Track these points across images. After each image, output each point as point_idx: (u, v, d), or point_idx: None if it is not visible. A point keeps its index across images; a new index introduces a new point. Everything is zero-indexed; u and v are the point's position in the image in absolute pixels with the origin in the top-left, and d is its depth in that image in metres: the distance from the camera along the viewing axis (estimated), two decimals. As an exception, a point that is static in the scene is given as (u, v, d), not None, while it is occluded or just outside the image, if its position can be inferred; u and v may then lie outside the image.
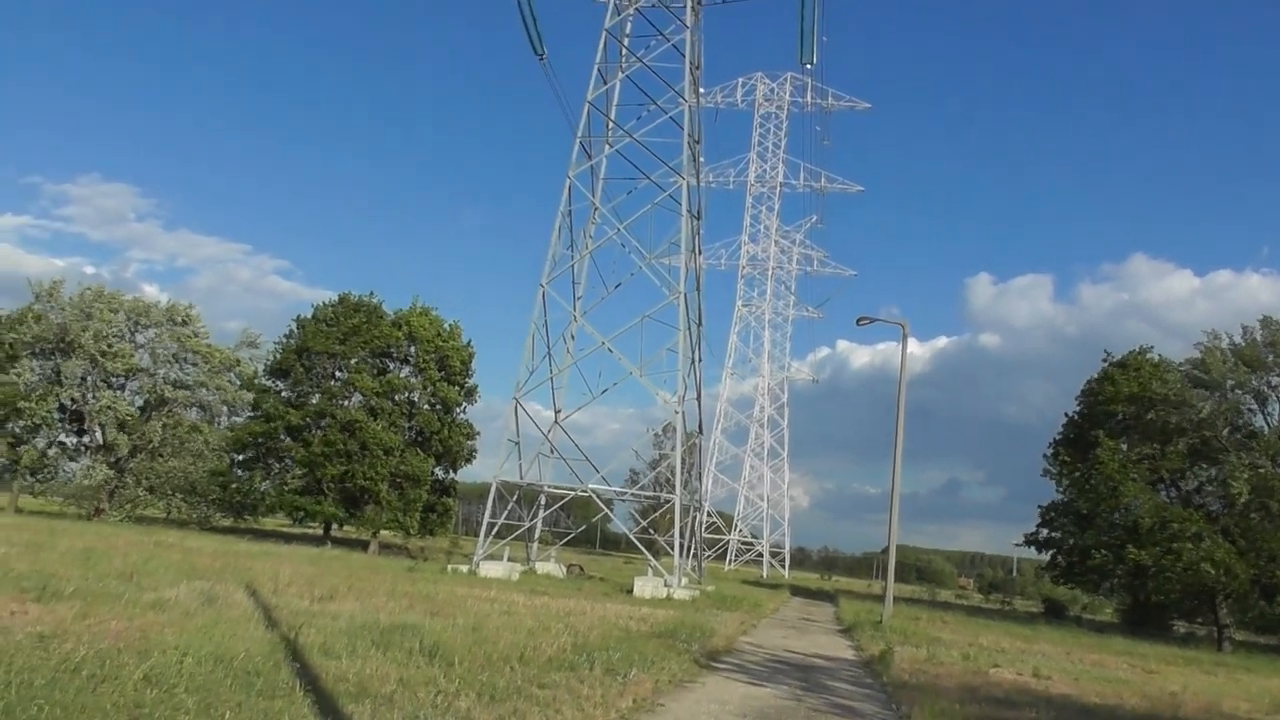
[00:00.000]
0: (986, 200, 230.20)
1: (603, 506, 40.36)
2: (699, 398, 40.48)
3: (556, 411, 39.62)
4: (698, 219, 40.34)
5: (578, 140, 39.00)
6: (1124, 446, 41.21)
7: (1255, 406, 40.55)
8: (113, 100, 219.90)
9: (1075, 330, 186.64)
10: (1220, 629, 40.42)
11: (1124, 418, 42.72)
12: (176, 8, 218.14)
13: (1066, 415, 47.03)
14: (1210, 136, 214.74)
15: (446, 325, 47.13)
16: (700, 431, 42.22)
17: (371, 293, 47.39)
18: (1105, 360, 45.32)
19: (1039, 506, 46.51)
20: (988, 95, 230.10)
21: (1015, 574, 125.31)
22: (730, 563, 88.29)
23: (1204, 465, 41.18)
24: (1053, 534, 45.69)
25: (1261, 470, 37.96)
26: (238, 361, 48.12)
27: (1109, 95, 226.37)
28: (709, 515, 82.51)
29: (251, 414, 46.55)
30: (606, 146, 39.65)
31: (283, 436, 44.48)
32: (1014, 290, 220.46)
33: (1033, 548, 48.30)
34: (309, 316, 46.17)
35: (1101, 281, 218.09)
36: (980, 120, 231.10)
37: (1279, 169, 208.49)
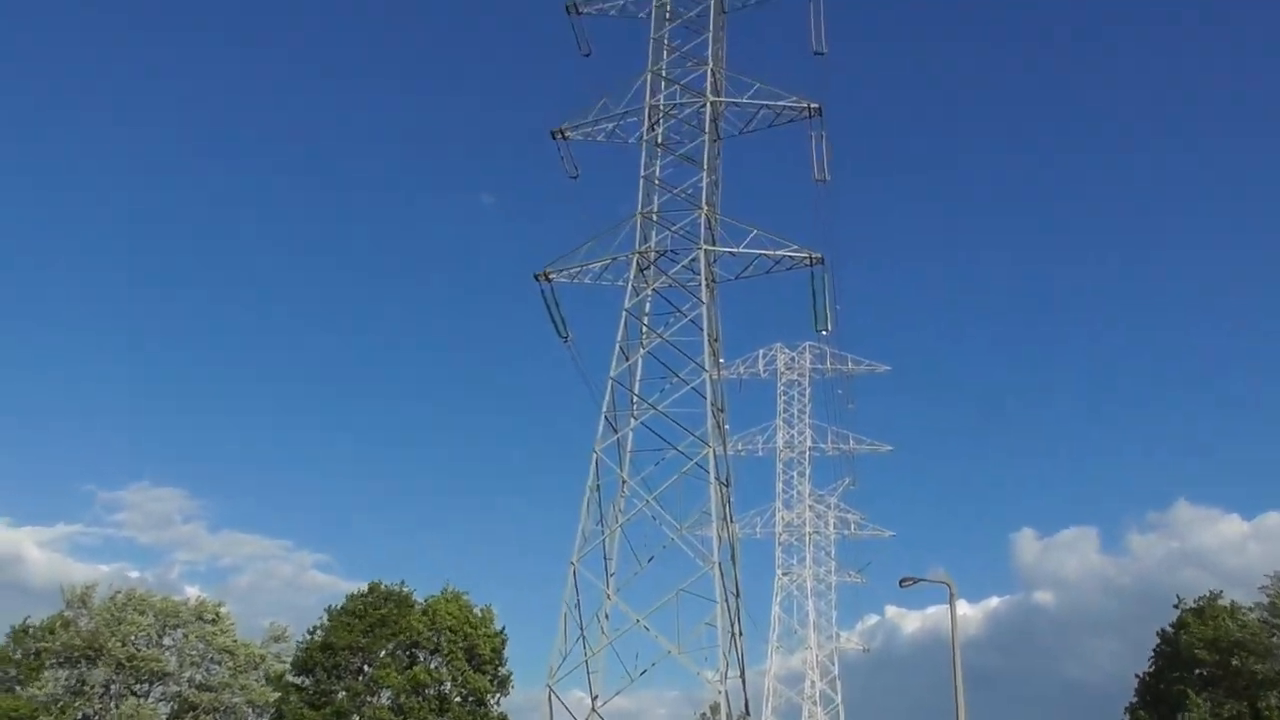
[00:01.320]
0: (1017, 454, 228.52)
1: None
2: (743, 674, 38.25)
3: (594, 698, 37.50)
4: (727, 487, 40.05)
5: (603, 415, 39.62)
6: (1209, 702, 38.06)
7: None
8: (164, 403, 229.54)
9: (1129, 581, 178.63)
10: None
11: (1206, 669, 39.79)
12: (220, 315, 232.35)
13: (1138, 676, 43.91)
14: (1233, 385, 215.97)
15: (477, 611, 45.75)
16: (747, 712, 39.56)
17: (402, 582, 46.55)
18: (1178, 606, 42.88)
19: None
20: (1003, 352, 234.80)
21: None
22: None
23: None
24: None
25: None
26: (263, 658, 46.57)
27: (1125, 345, 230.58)
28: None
29: (275, 716, 44.42)
30: (631, 420, 40.15)
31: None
32: (1060, 544, 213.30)
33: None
34: (339, 608, 45.14)
35: (1149, 531, 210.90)
36: (998, 378, 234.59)
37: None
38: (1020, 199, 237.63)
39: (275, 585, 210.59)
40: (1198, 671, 39.88)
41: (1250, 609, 40.03)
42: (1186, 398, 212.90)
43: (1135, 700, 43.29)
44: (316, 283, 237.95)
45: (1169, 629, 42.62)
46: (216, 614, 49.42)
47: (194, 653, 47.41)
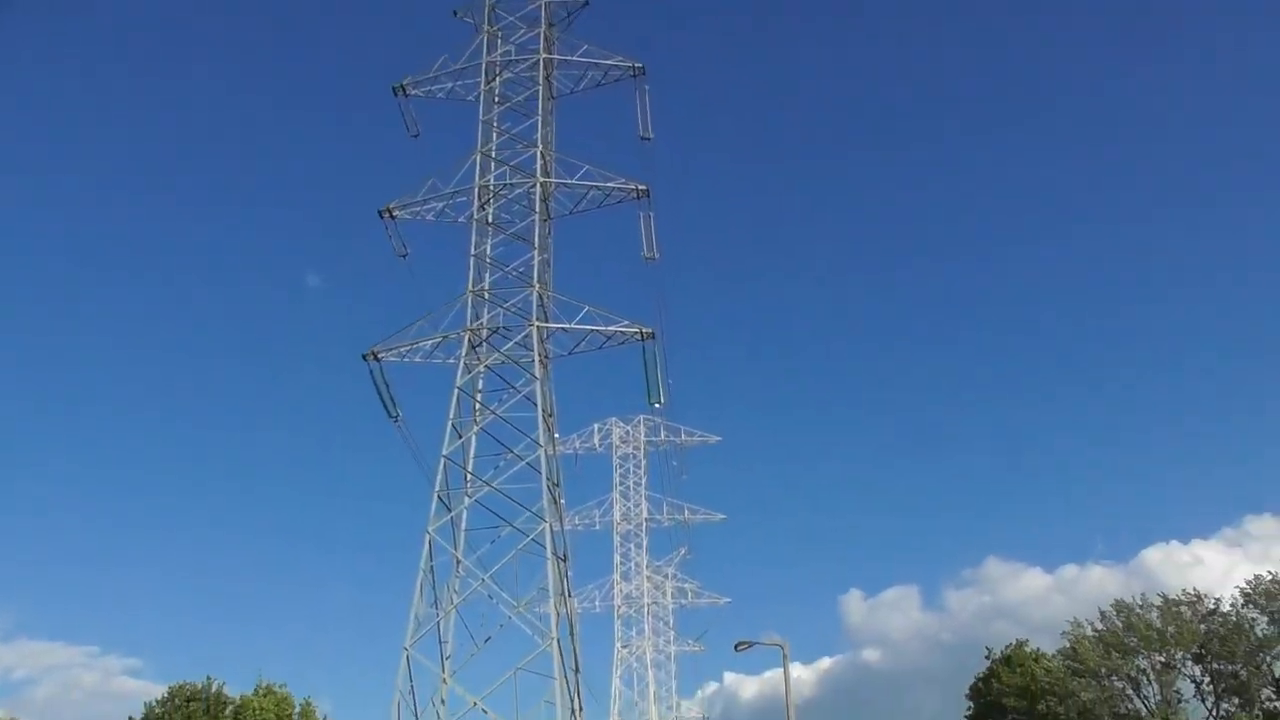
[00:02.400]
0: (843, 518, 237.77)
1: None
2: (584, 753, 37.88)
3: (432, 788, 36.19)
4: (565, 561, 39.99)
5: (435, 494, 39.01)
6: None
7: (1132, 692, 41.00)
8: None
9: (949, 636, 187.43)
10: None
11: (1016, 713, 42.36)
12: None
13: (961, 721, 46.32)
14: (1040, 451, 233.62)
15: (297, 703, 43.37)
16: (589, 791, 39.11)
17: (209, 678, 43.41)
18: (987, 656, 45.65)
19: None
20: (823, 433, 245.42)
21: None
22: None
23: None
24: None
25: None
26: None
27: (942, 419, 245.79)
28: None
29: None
30: (465, 498, 39.71)
31: None
32: (885, 603, 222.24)
33: None
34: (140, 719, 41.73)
35: (964, 587, 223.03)
36: (825, 443, 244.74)
37: (1098, 473, 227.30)
38: (838, 276, 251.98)
39: (79, 696, 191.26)
40: (1009, 716, 42.43)
41: (1052, 656, 43.00)
42: (994, 460, 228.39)
43: (956, 749, 45.49)
44: (123, 362, 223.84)
45: (981, 679, 45.21)
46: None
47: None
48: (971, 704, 45.70)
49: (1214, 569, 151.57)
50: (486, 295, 42.76)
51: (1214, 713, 39.49)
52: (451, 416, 40.37)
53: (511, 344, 41.93)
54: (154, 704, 42.01)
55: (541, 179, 43.85)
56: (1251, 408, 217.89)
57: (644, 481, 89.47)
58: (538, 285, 42.54)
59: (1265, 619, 39.71)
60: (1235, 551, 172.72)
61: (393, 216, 44.18)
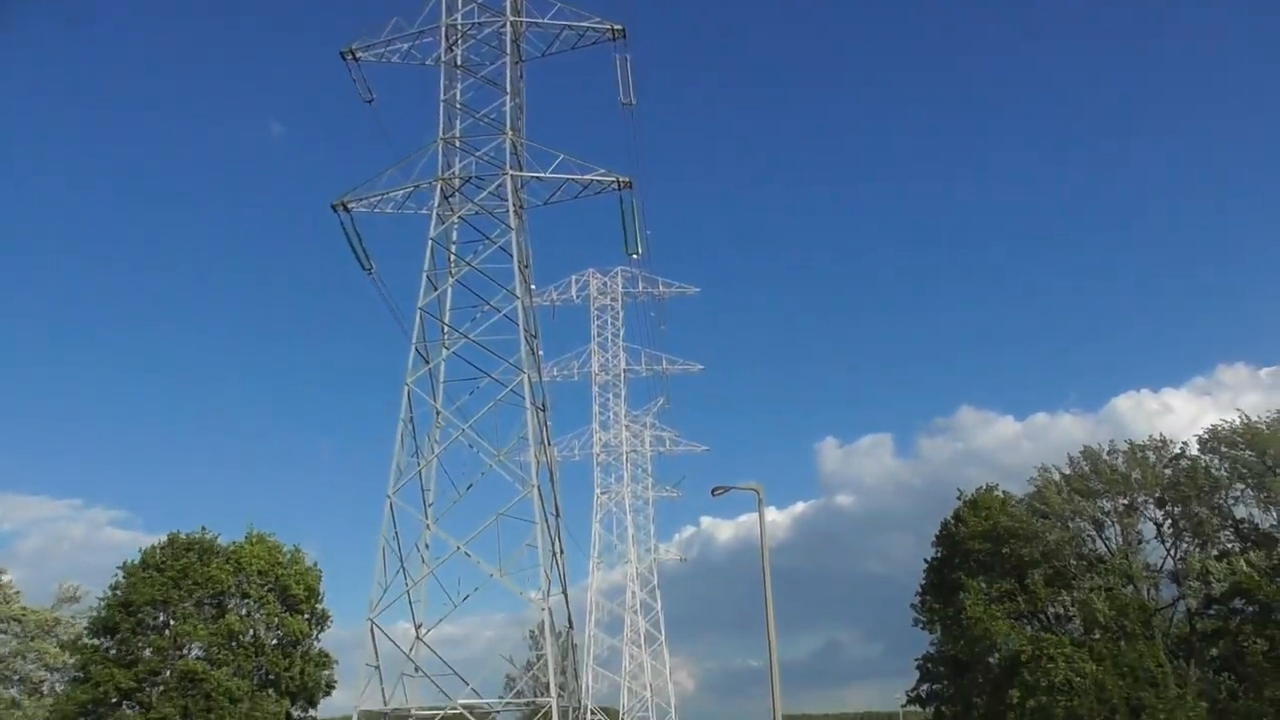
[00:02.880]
0: (819, 367, 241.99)
1: (475, 724, 37.79)
2: (565, 591, 39.22)
3: (418, 627, 37.58)
4: (544, 411, 40.36)
5: (413, 347, 38.89)
6: (984, 584, 42.16)
7: (1095, 533, 42.52)
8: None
9: (920, 482, 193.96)
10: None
11: (980, 555, 43.94)
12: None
13: (926, 561, 48.08)
14: (1014, 302, 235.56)
15: (286, 551, 44.47)
16: (571, 626, 40.74)
17: (203, 529, 44.45)
18: (959, 498, 46.96)
19: (915, 660, 46.69)
20: (803, 280, 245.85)
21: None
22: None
23: (1062, 593, 42.42)
24: (934, 686, 45.75)
25: (1114, 592, 39.48)
26: (57, 621, 43.80)
27: (915, 269, 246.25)
28: (593, 713, 78.71)
29: (77, 678, 41.86)
30: (443, 349, 39.59)
31: (115, 699, 39.98)
32: (859, 451, 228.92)
33: (918, 705, 48.17)
34: (136, 563, 42.67)
35: (937, 434, 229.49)
36: (801, 294, 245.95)
37: (1074, 324, 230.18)
38: (827, 123, 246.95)
39: (67, 548, 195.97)
40: (974, 559, 44.07)
41: (1019, 500, 44.35)
42: (969, 311, 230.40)
43: (923, 586, 47.41)
44: (96, 218, 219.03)
45: (949, 522, 46.73)
46: (-1, 583, 46.19)
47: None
48: (938, 548, 47.33)
49: (1182, 417, 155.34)
50: (458, 143, 41.44)
51: (1171, 553, 41.14)
52: (426, 268, 39.80)
53: (485, 194, 40.97)
54: (153, 549, 42.87)
55: (512, 17, 41.80)
56: (1227, 256, 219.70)
57: (621, 333, 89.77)
58: (510, 133, 41.21)
59: (1225, 465, 40.78)
60: (1205, 400, 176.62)
61: (355, 58, 42.13)
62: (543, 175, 41.16)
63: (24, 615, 43.61)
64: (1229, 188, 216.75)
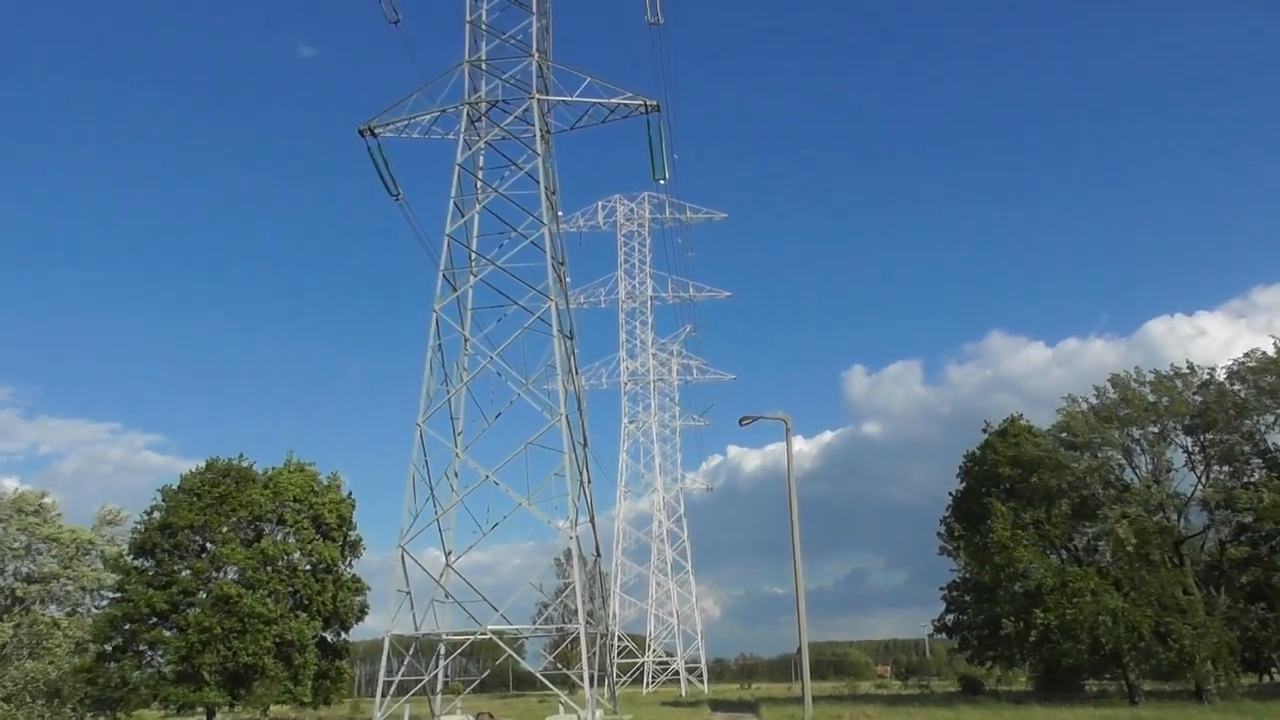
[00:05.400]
0: (848, 294, 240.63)
1: (505, 648, 38.56)
2: (592, 520, 39.63)
3: (447, 554, 38.13)
4: (571, 339, 40.31)
5: (441, 273, 38.73)
6: (1011, 510, 42.06)
7: (1124, 461, 42.17)
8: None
9: (949, 410, 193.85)
10: (1129, 683, 40.95)
11: (1008, 483, 43.82)
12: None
13: (952, 492, 48.04)
14: (1046, 223, 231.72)
15: (322, 479, 44.97)
16: (599, 554, 41.20)
17: (241, 455, 45.00)
18: (985, 430, 46.80)
19: (940, 589, 46.93)
20: (833, 201, 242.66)
21: (929, 655, 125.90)
22: (648, 685, 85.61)
23: (1088, 523, 42.32)
24: (961, 616, 46.07)
25: (1139, 520, 39.30)
26: (92, 543, 44.73)
27: (944, 195, 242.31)
28: (620, 639, 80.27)
29: (117, 598, 42.81)
30: (471, 277, 39.42)
31: (152, 620, 40.94)
32: (887, 378, 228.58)
33: (944, 634, 48.59)
34: (175, 487, 43.35)
35: (966, 361, 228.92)
36: (830, 219, 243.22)
37: (1107, 246, 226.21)
38: (856, 47, 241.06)
39: (105, 470, 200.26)
40: (1002, 486, 43.95)
41: (1047, 431, 43.99)
42: (1000, 233, 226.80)
43: (949, 514, 47.43)
44: (126, 142, 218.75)
45: (977, 451, 46.53)
46: (40, 505, 47.04)
47: (16, 545, 45.18)
48: (964, 473, 47.24)
49: (1216, 340, 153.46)
50: (484, 66, 40.73)
51: (1203, 481, 40.78)
52: (453, 194, 39.49)
53: (511, 118, 40.40)
54: (192, 474, 43.50)
55: (537, -67, 40.68)
56: (1265, 173, 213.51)
57: (649, 259, 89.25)
58: (537, 55, 40.42)
59: (1255, 393, 40.15)
60: (1239, 323, 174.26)
61: (380, -24, 41.26)
62: (569, 99, 40.48)
63: (62, 535, 44.54)
64: (1265, 98, 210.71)
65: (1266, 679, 54.44)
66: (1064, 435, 42.09)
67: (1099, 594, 37.28)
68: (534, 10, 40.72)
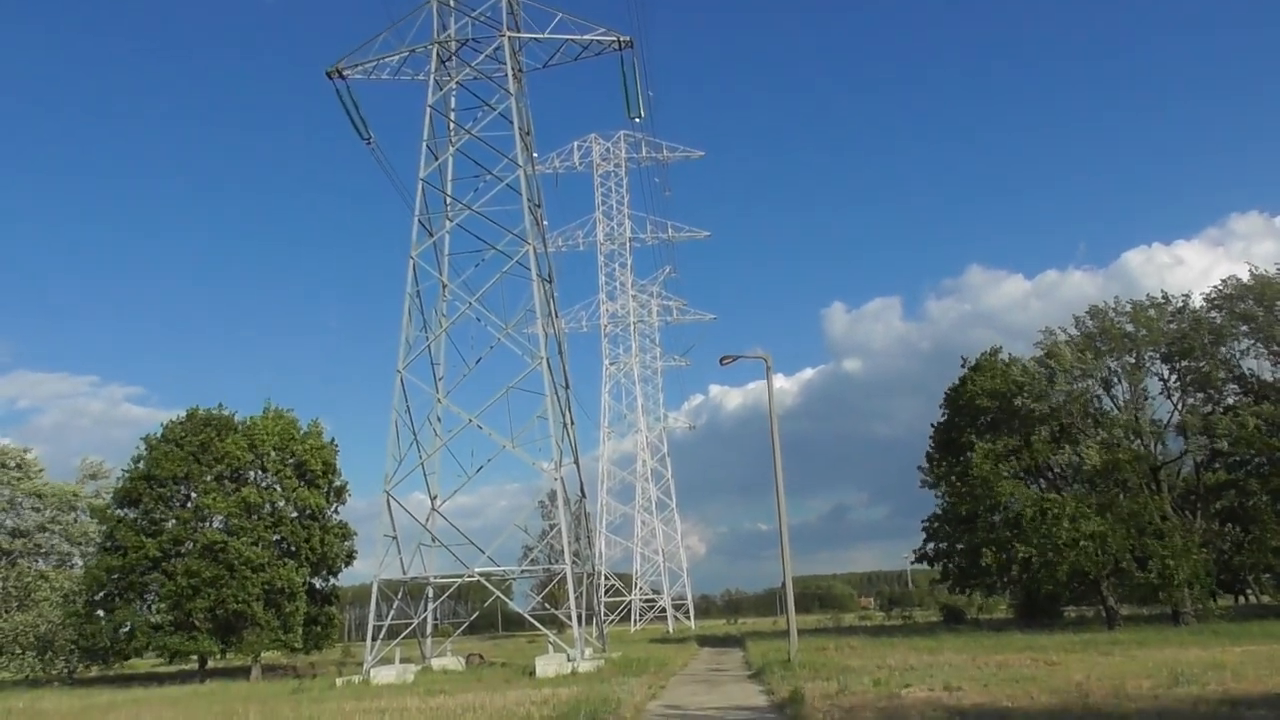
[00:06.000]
0: (827, 231, 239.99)
1: (493, 589, 38.91)
2: (576, 461, 39.76)
3: (433, 498, 38.24)
4: (550, 283, 40.00)
5: (416, 219, 38.24)
6: (991, 442, 42.48)
7: (1102, 391, 42.54)
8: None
9: (928, 345, 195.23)
10: (1108, 608, 41.81)
11: (988, 415, 44.17)
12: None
13: (933, 425, 48.44)
14: (1023, 151, 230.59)
15: (303, 426, 44.87)
16: (584, 495, 41.43)
17: (220, 404, 44.79)
18: (963, 365, 47.12)
19: (922, 521, 47.56)
20: (810, 135, 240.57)
21: (911, 586, 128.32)
22: (635, 624, 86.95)
23: (1065, 448, 42.73)
24: (940, 545, 46.78)
25: (1119, 446, 39.79)
26: (75, 494, 44.67)
27: (921, 126, 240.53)
28: (607, 578, 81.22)
29: (105, 547, 42.84)
30: (447, 221, 38.94)
31: (144, 566, 41.03)
32: (867, 315, 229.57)
33: (925, 563, 49.35)
34: (158, 437, 43.20)
35: (945, 296, 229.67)
36: (806, 157, 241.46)
37: (1083, 174, 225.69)
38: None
39: (85, 423, 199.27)
40: (981, 419, 44.33)
41: (1026, 361, 44.26)
42: (977, 164, 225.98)
43: (930, 448, 47.89)
44: (97, 94, 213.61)
45: (956, 384, 46.86)
46: (21, 459, 46.86)
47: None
48: (945, 407, 47.62)
49: (1194, 269, 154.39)
50: (452, 3, 39.77)
51: (1178, 408, 41.21)
52: (425, 137, 38.82)
53: (482, 57, 39.57)
54: (173, 424, 43.33)
55: None
56: (1239, 94, 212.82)
57: (626, 200, 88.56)
58: (506, -10, 39.45)
59: (1230, 319, 40.41)
60: (1217, 251, 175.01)
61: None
62: (540, 36, 39.68)
63: (45, 490, 44.46)
64: (1239, 27, 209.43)
65: (1242, 600, 55.75)
66: (1047, 361, 42.31)
67: (1077, 519, 37.85)
68: (501, -59, 39.68)
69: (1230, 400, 41.24)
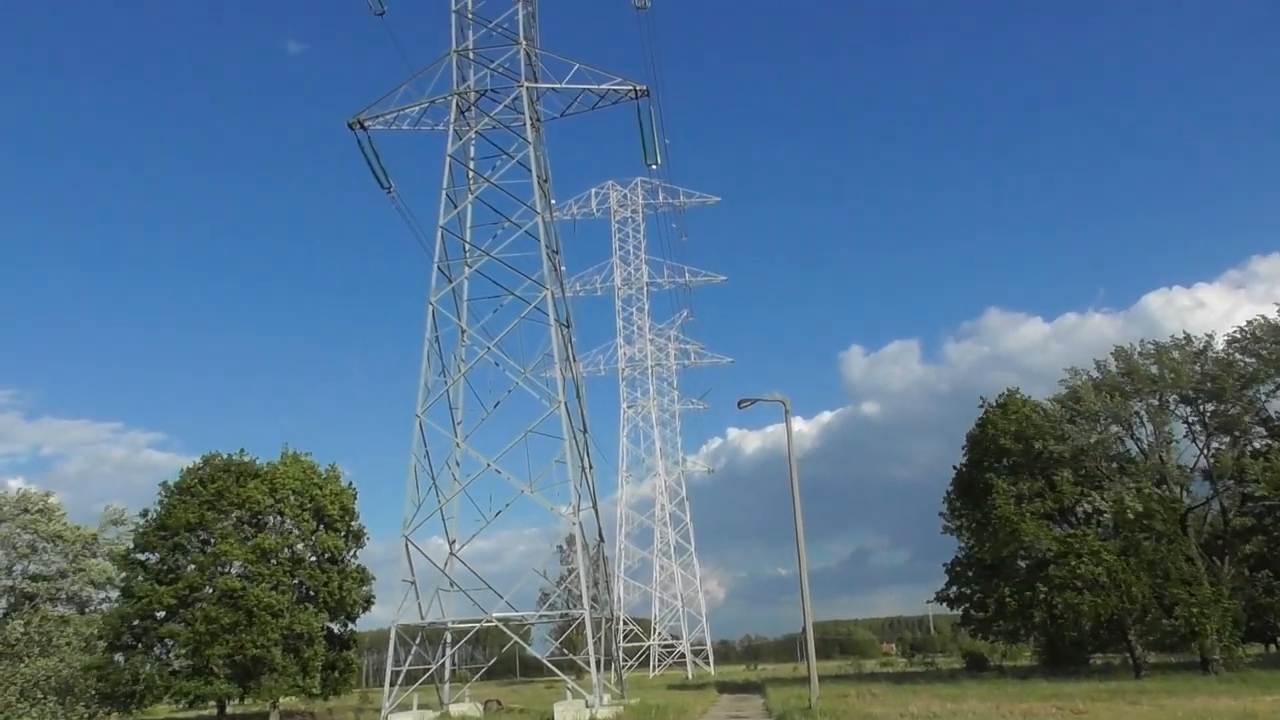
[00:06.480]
0: (844, 275, 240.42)
1: (511, 634, 38.74)
2: (595, 505, 39.72)
3: (451, 542, 38.25)
4: (568, 328, 40.29)
5: (435, 265, 38.70)
6: (1013, 484, 42.04)
7: (1123, 434, 42.14)
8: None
9: (947, 387, 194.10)
10: (1135, 656, 41.08)
11: (1010, 457, 43.73)
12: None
13: (955, 468, 48.05)
14: (1043, 199, 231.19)
15: (321, 470, 45.05)
16: (602, 539, 41.32)
17: (241, 450, 45.07)
18: (981, 406, 46.78)
19: (944, 564, 46.99)
20: (826, 181, 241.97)
21: (934, 632, 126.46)
22: (654, 669, 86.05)
23: (1090, 492, 42.24)
24: (963, 589, 46.16)
25: (1145, 491, 39.31)
26: (94, 538, 44.94)
27: (938, 171, 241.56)
28: (625, 623, 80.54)
29: (125, 592, 42.97)
30: (466, 268, 39.40)
31: (161, 615, 41.10)
32: (885, 358, 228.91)
33: (945, 605, 48.65)
34: (174, 485, 43.38)
35: (963, 339, 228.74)
36: (824, 200, 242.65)
37: (1103, 220, 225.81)
38: (847, 25, 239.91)
39: (108, 470, 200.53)
40: (1003, 460, 43.93)
41: (1049, 400, 43.97)
42: (995, 211, 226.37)
43: (951, 491, 47.44)
44: (122, 143, 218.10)
45: (976, 427, 46.50)
46: (44, 504, 47.23)
47: (21, 544, 45.38)
48: (966, 450, 47.23)
49: (1215, 312, 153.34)
50: (471, 55, 40.58)
51: (1204, 451, 40.78)
52: (445, 186, 39.40)
53: (501, 107, 40.26)
54: (190, 470, 43.60)
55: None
56: (1265, 131, 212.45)
57: (643, 245, 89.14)
58: (524, 42, 40.27)
59: (1254, 361, 40.09)
60: (1239, 294, 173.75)
61: (365, -32, 41.04)
62: (558, 86, 40.35)
63: (67, 534, 44.75)
64: (1260, 69, 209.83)
65: (1273, 648, 54.64)
66: (1069, 403, 42.01)
67: (1099, 554, 37.33)
68: (519, -4, 40.54)
69: (1256, 443, 40.77)
